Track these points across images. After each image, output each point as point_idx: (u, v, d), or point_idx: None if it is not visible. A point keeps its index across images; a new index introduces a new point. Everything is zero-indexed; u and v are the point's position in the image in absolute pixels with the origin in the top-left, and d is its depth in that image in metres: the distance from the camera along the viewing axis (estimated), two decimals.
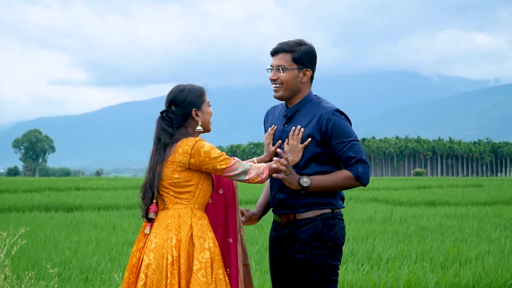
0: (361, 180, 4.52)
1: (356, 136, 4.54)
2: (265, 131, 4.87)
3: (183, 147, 4.25)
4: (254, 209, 4.89)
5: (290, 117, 4.66)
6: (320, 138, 4.51)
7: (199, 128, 4.41)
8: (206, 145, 4.26)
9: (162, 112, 4.43)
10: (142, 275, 4.26)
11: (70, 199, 26.38)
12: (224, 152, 4.29)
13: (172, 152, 4.29)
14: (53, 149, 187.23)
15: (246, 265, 4.63)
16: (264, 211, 4.92)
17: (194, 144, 4.25)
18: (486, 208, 22.29)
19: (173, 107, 4.39)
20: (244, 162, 4.37)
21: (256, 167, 4.35)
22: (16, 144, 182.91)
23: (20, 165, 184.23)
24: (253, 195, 27.10)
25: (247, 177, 4.31)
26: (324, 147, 4.53)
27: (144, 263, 4.27)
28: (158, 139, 4.37)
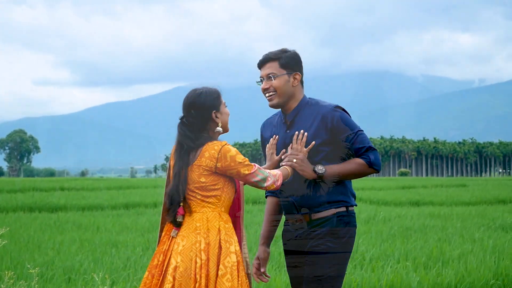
0: (374, 166, 4.62)
1: (359, 127, 4.62)
2: (263, 142, 4.92)
3: (210, 151, 4.26)
4: (262, 247, 4.93)
5: (291, 123, 4.70)
6: (327, 136, 4.57)
7: (218, 129, 4.43)
8: (232, 149, 4.28)
9: (181, 118, 4.43)
10: (169, 277, 4.24)
11: (54, 199, 26.29)
12: (247, 158, 4.31)
13: (198, 156, 4.29)
14: (38, 149, 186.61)
15: (248, 275, 4.63)
16: (270, 243, 4.98)
17: (221, 148, 4.27)
18: (470, 208, 22.38)
19: (192, 112, 4.39)
20: (262, 169, 4.40)
21: (273, 175, 4.38)
22: (1, 145, 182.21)
23: (4, 166, 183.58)
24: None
25: (265, 185, 4.35)
26: (332, 144, 4.58)
27: (171, 266, 4.26)
28: (181, 145, 4.38)
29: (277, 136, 4.74)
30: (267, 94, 4.70)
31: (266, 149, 4.79)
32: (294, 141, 4.61)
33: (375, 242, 11.99)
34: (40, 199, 26.35)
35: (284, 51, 4.71)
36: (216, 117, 4.41)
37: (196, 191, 4.30)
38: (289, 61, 4.67)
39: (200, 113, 4.39)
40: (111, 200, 26.54)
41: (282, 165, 4.56)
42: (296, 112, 4.69)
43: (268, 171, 4.40)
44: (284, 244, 4.84)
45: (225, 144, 4.31)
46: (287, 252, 4.80)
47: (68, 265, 9.63)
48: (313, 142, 4.55)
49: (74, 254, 10.94)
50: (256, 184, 4.36)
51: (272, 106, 4.74)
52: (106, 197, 28.90)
